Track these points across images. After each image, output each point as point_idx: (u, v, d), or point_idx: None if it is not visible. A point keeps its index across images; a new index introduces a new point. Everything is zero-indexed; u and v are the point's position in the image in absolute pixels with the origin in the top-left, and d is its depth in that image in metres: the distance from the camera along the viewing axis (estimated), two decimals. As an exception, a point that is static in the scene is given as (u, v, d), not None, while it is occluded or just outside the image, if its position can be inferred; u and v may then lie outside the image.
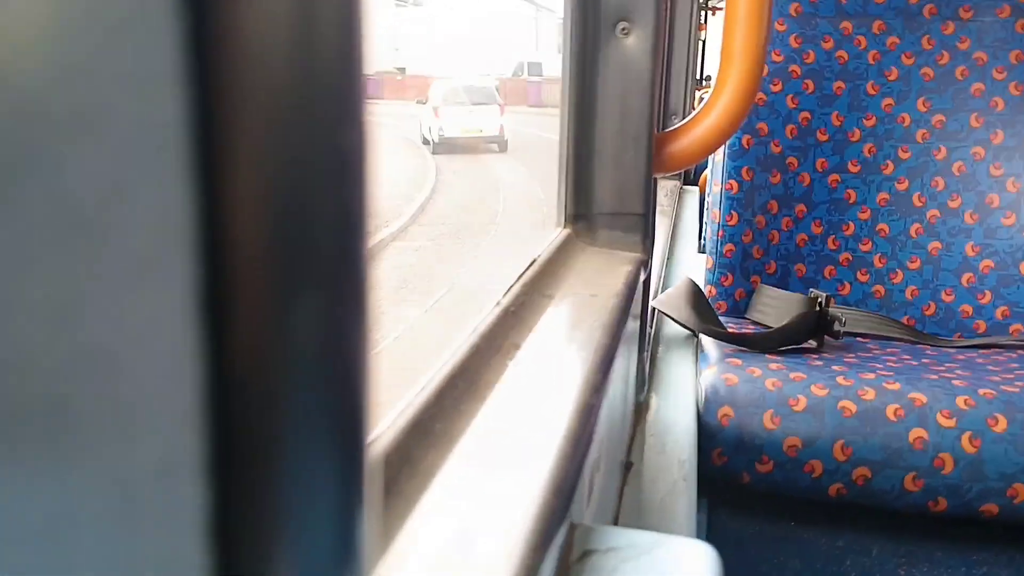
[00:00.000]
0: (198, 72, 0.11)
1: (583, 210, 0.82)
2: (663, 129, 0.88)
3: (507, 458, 0.39)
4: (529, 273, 0.64)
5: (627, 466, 0.82)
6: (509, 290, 0.59)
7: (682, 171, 2.66)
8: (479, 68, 25.16)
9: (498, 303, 0.56)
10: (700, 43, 4.03)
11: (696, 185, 2.55)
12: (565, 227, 0.82)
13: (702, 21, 3.99)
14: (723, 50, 0.86)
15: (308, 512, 0.15)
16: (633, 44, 0.80)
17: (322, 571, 0.15)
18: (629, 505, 0.76)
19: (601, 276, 0.70)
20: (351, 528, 0.16)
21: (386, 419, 0.38)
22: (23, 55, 0.11)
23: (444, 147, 13.52)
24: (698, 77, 3.95)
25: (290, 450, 0.14)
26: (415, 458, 0.38)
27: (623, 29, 0.80)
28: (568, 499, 0.39)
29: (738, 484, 0.97)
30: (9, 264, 0.12)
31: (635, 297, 0.73)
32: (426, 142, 13.98)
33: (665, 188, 2.30)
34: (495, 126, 14.05)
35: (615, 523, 0.73)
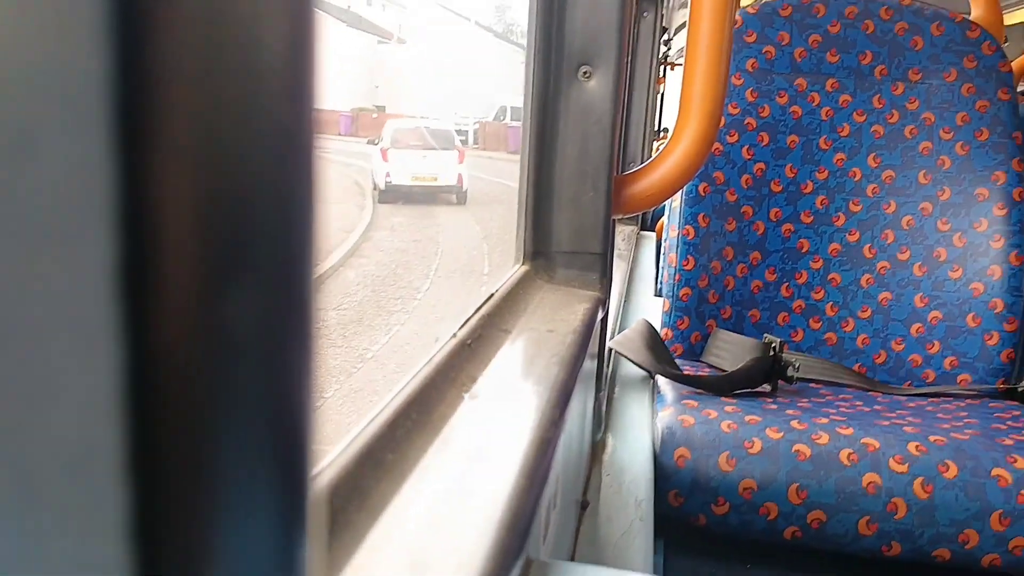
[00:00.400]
0: (129, 31, 0.10)
1: (542, 248, 0.82)
2: (622, 173, 0.89)
3: (461, 491, 0.38)
4: (486, 307, 0.63)
5: (583, 505, 0.80)
6: (465, 323, 0.58)
7: (639, 216, 2.70)
8: (460, 110, 24.82)
9: (454, 335, 0.55)
10: (659, 96, 4.13)
11: (653, 231, 2.59)
12: (524, 264, 0.82)
13: (661, 75, 4.09)
14: (682, 99, 0.88)
15: (242, 519, 0.14)
16: (594, 87, 0.81)
17: None
18: (585, 544, 0.75)
19: (559, 313, 0.69)
20: (291, 542, 0.15)
21: (335, 448, 0.37)
22: None
23: (393, 196, 11.71)
24: (656, 129, 4.04)
25: (222, 448, 0.13)
26: (365, 489, 0.36)
27: (585, 72, 0.81)
28: (524, 534, 0.38)
29: (694, 526, 0.96)
30: None
31: (592, 335, 0.73)
32: (377, 188, 12.03)
33: (623, 233, 2.32)
34: (452, 174, 12.08)
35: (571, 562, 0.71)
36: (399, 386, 0.45)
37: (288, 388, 0.15)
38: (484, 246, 8.74)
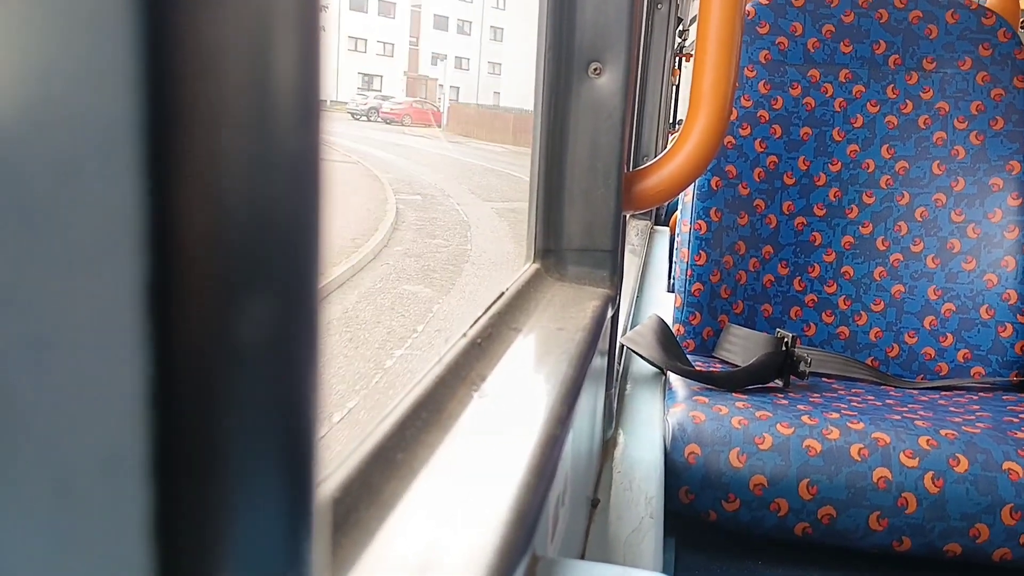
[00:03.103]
0: (154, 69, 0.11)
1: (552, 245, 0.82)
2: (634, 169, 0.89)
3: (469, 488, 0.39)
4: (497, 306, 0.64)
5: (594, 503, 0.81)
6: (476, 322, 0.59)
7: (653, 211, 2.69)
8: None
9: (464, 335, 0.56)
10: (674, 88, 4.11)
11: (667, 226, 2.59)
12: (534, 262, 0.82)
13: (676, 66, 4.07)
14: (692, 93, 0.88)
15: (254, 517, 0.15)
16: (604, 83, 0.82)
17: None
18: (595, 542, 0.76)
19: (568, 310, 0.70)
20: (298, 539, 0.16)
21: (347, 448, 0.38)
22: None
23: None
24: (671, 121, 4.03)
25: (236, 451, 0.14)
26: (376, 487, 0.37)
27: (595, 69, 0.81)
28: (530, 531, 0.39)
29: (705, 522, 0.97)
30: None
31: (602, 332, 0.73)
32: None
33: (636, 228, 2.32)
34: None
35: (581, 559, 0.72)
36: (410, 386, 0.46)
37: (296, 396, 0.16)
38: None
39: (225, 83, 0.13)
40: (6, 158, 0.12)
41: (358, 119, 26.09)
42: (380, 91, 34.73)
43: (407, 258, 6.91)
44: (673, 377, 1.11)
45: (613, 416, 0.97)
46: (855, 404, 1.09)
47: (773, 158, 1.36)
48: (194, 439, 0.13)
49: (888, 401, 1.13)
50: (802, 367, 1.14)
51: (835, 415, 1.00)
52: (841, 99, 1.37)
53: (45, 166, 0.12)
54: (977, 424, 1.01)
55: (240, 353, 0.14)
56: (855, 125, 1.37)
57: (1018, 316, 1.27)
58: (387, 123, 26.04)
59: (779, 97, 1.37)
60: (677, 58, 4.21)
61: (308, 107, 0.15)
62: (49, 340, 0.12)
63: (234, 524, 0.14)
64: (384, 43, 37.62)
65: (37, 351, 0.12)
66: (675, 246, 1.44)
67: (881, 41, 1.37)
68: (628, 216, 0.89)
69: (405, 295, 5.77)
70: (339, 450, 0.37)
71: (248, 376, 0.14)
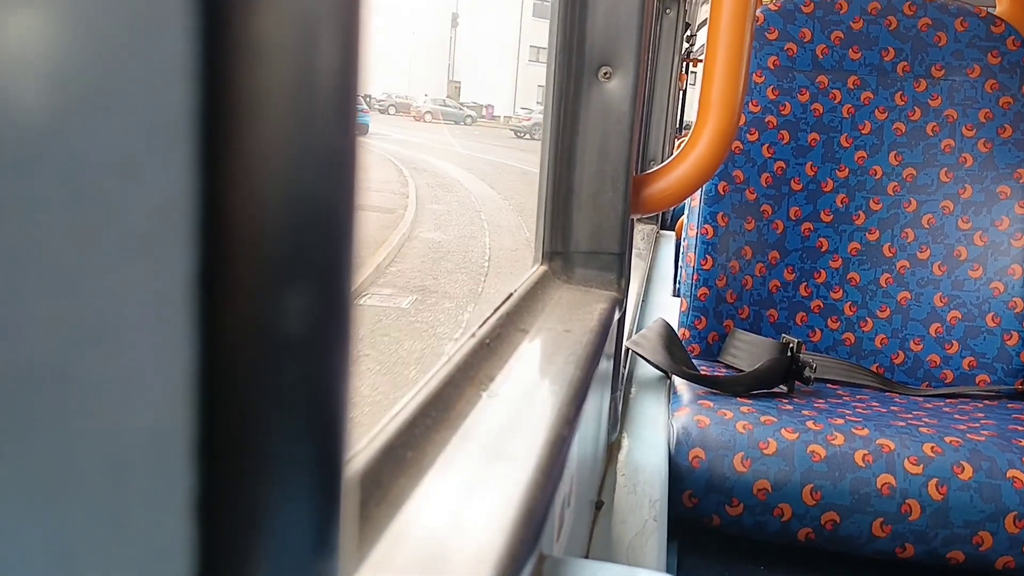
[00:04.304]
0: (207, 67, 0.12)
1: (560, 248, 0.83)
2: (641, 173, 0.90)
3: (477, 486, 0.39)
4: (505, 307, 0.65)
5: (598, 505, 0.81)
6: (485, 323, 0.60)
7: (659, 216, 2.70)
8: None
9: (473, 335, 0.56)
10: (681, 93, 4.12)
11: (673, 230, 2.59)
12: (542, 264, 0.83)
13: (684, 71, 4.07)
14: (701, 98, 0.88)
15: (288, 495, 0.15)
16: (614, 88, 0.82)
17: (299, 560, 0.16)
18: (599, 544, 0.76)
19: (576, 313, 0.70)
20: (328, 516, 0.17)
21: (357, 444, 0.38)
22: (47, 35, 0.12)
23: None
24: (678, 126, 4.03)
25: (274, 434, 0.15)
26: (385, 484, 0.38)
27: (605, 73, 0.82)
28: (538, 529, 0.39)
29: (708, 526, 0.97)
30: (18, 228, 0.12)
31: (609, 335, 0.74)
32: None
33: (642, 232, 2.32)
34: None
35: None
36: (419, 384, 0.47)
37: (330, 383, 0.17)
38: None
39: (271, 79, 0.13)
40: (66, 150, 0.12)
41: (520, 136, 25.33)
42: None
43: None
44: (678, 381, 1.12)
45: (618, 419, 0.97)
46: (860, 410, 1.09)
47: (780, 163, 1.37)
48: (235, 421, 0.14)
49: (893, 408, 1.13)
50: (807, 373, 1.14)
51: (840, 421, 1.00)
52: (849, 105, 1.37)
53: (103, 158, 0.12)
54: (982, 432, 1.01)
55: (281, 341, 0.15)
56: (863, 131, 1.37)
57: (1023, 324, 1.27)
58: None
59: (787, 103, 1.37)
60: (684, 63, 4.21)
61: (346, 104, 0.15)
62: (104, 325, 0.13)
63: (270, 503, 0.15)
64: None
65: (93, 335, 0.13)
66: (681, 250, 1.44)
67: (890, 48, 1.37)
68: (634, 220, 0.89)
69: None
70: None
71: (288, 363, 0.15)
